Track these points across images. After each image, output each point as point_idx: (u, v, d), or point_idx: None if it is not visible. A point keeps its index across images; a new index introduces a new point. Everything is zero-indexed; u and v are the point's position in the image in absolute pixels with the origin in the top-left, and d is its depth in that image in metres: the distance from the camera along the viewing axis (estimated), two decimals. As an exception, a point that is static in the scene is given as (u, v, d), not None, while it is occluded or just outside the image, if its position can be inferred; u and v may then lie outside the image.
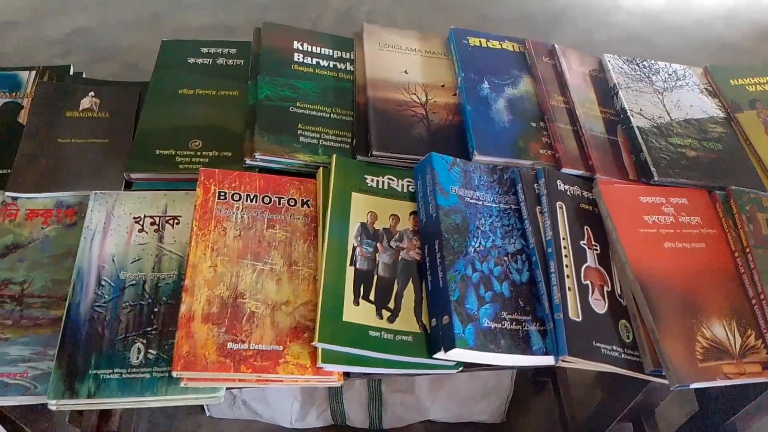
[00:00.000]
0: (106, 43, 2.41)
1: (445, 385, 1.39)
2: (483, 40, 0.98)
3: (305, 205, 0.81)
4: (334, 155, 0.82)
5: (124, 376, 0.68)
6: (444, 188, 0.77)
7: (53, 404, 0.66)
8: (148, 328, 0.71)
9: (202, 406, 1.52)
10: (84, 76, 0.97)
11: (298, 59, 0.93)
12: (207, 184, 0.79)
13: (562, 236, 0.75)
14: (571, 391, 1.40)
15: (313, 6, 2.64)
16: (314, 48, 0.96)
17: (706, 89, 0.99)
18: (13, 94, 0.93)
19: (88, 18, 2.51)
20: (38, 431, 0.90)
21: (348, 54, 0.97)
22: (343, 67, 0.95)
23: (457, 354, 0.68)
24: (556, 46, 0.98)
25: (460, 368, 0.72)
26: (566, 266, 0.73)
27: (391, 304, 0.73)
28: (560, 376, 1.43)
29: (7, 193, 0.80)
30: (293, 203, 0.81)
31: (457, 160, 0.81)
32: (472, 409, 1.42)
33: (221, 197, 0.78)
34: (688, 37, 2.52)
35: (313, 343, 0.69)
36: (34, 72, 0.96)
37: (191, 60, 0.95)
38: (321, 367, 0.69)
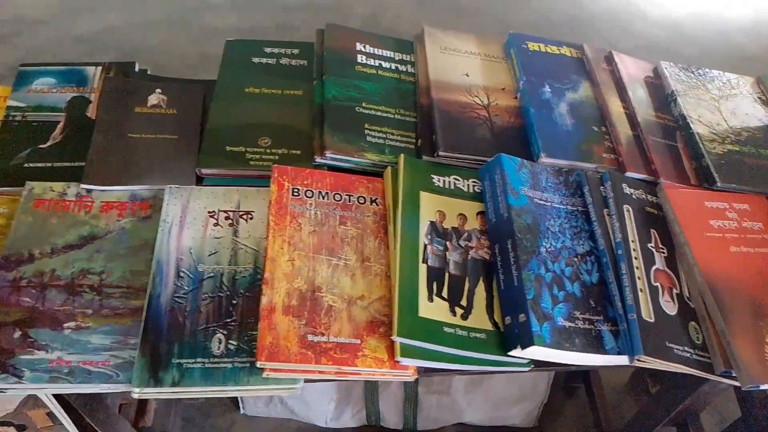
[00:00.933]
0: (134, 43, 2.43)
1: (482, 387, 1.40)
2: (541, 45, 0.99)
3: (374, 203, 0.82)
4: (402, 155, 0.83)
5: (206, 365, 0.69)
6: (514, 189, 0.78)
7: (137, 392, 0.68)
8: (228, 320, 0.72)
9: (236, 404, 1.53)
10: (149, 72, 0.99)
11: (362, 60, 0.95)
12: (281, 180, 0.80)
13: (630, 239, 0.77)
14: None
15: (338, 11, 2.67)
16: (376, 50, 0.97)
17: (759, 98, 1.00)
18: (81, 88, 0.95)
19: (116, 17, 2.53)
20: (95, 420, 0.92)
21: (408, 56, 0.99)
22: (404, 69, 0.97)
23: (534, 352, 0.69)
24: (612, 52, 0.99)
25: (531, 366, 0.73)
26: (636, 268, 0.75)
27: (464, 302, 0.74)
28: (594, 381, 1.44)
29: (83, 185, 0.82)
30: (362, 201, 0.82)
31: (525, 161, 0.82)
32: (506, 412, 1.43)
33: (295, 194, 0.80)
34: (710, 48, 2.54)
35: (392, 338, 0.70)
36: (99, 68, 0.97)
37: (256, 59, 0.97)
38: (398, 362, 0.70)
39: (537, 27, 2.55)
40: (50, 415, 0.83)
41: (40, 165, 0.85)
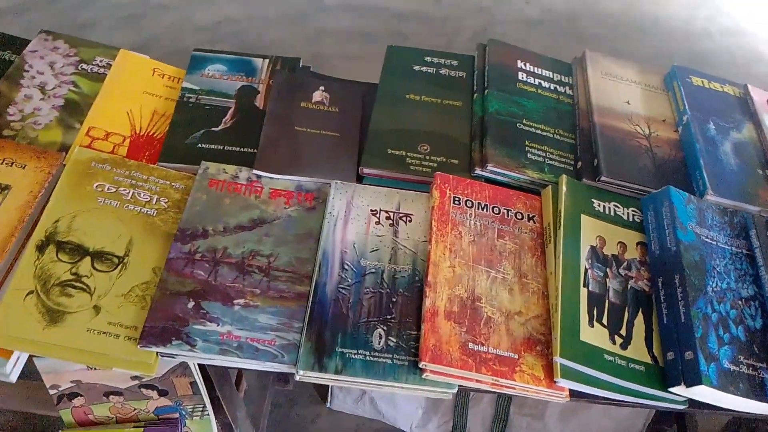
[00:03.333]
0: (252, 36, 2.52)
1: (577, 417, 1.38)
2: (705, 81, 0.97)
3: (531, 221, 0.83)
4: (564, 176, 0.83)
5: (367, 358, 0.71)
6: (683, 223, 0.77)
7: (301, 374, 0.70)
8: (388, 316, 0.74)
9: (324, 397, 1.56)
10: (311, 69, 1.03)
11: (522, 78, 0.96)
12: (443, 187, 0.82)
13: (801, 288, 0.74)
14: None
15: (450, 22, 2.69)
16: (536, 68, 0.98)
17: None
18: (249, 78, 0.99)
19: (236, 10, 2.63)
20: (223, 395, 0.96)
21: (566, 78, 0.99)
22: (562, 90, 0.97)
23: (699, 392, 0.68)
24: (779, 95, 0.97)
25: (686, 405, 0.72)
26: (807, 320, 0.72)
27: (623, 331, 0.73)
28: (689, 426, 1.39)
29: (254, 171, 0.86)
30: (520, 217, 0.83)
31: (692, 196, 0.81)
32: (598, 445, 1.40)
33: (456, 202, 0.81)
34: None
35: (554, 358, 0.70)
36: (267, 60, 1.02)
37: (416, 67, 0.99)
38: (556, 382, 0.70)
39: (648, 59, 2.50)
40: (192, 384, 0.87)
41: (212, 147, 0.90)
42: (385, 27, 2.64)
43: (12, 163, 0.80)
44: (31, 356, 0.74)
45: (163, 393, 0.88)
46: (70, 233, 0.76)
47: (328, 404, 1.56)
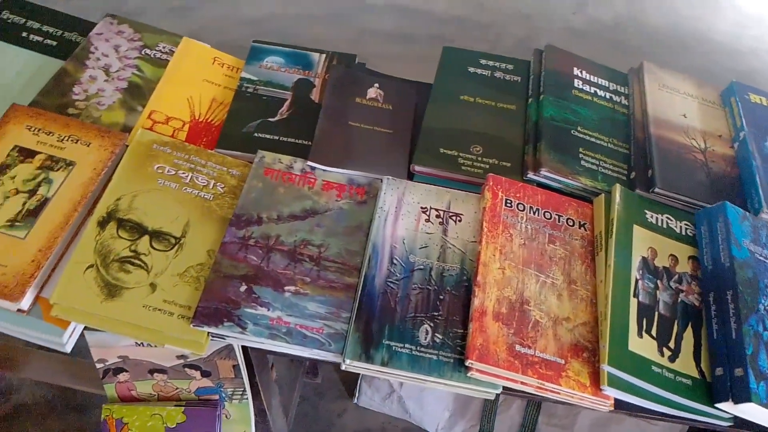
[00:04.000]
0: (295, 33, 2.54)
1: (609, 430, 1.37)
2: (764, 99, 0.96)
3: (582, 228, 0.83)
4: (617, 185, 0.83)
5: (413, 352, 0.72)
6: (737, 240, 0.77)
7: (347, 363, 0.71)
8: (435, 313, 0.75)
9: (351, 392, 1.57)
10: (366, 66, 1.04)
11: (578, 85, 0.96)
12: (495, 189, 0.83)
13: None
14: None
15: (493, 28, 2.68)
16: (592, 77, 0.98)
17: None
18: (306, 72, 1.01)
19: (281, 6, 2.66)
20: (261, 381, 0.97)
21: (622, 88, 0.99)
22: (618, 100, 0.97)
23: (747, 409, 0.67)
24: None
25: (731, 423, 0.71)
26: None
27: (672, 344, 0.73)
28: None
29: (308, 162, 0.87)
30: (571, 223, 0.83)
31: (747, 213, 0.80)
32: (626, 461, 1.39)
33: (507, 204, 0.82)
34: None
35: (601, 365, 0.70)
36: (324, 55, 1.04)
37: (471, 69, 1.00)
38: (602, 390, 0.70)
39: (698, 75, 2.47)
40: (235, 367, 0.88)
41: (267, 136, 0.91)
42: (427, 30, 2.65)
43: (77, 141, 0.82)
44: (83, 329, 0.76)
45: (206, 374, 0.90)
46: (131, 211, 0.79)
47: (355, 400, 1.57)
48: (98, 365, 0.89)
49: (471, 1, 2.78)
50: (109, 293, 0.73)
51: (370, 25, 2.62)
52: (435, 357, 0.72)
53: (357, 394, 1.55)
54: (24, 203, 0.76)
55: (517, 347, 0.71)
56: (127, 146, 0.85)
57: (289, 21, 2.60)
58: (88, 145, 0.82)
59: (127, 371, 0.90)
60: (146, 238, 0.77)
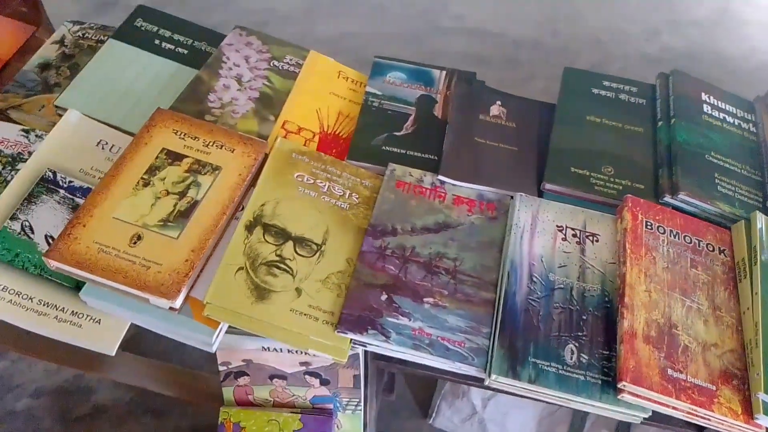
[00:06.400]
0: (369, 52, 2.58)
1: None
2: None
3: (722, 254, 0.81)
4: (757, 212, 0.82)
5: (560, 371, 0.71)
6: None
7: (492, 379, 0.71)
8: (579, 333, 0.74)
9: (425, 412, 1.56)
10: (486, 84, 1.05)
11: (707, 111, 0.95)
12: (634, 211, 0.82)
13: None
14: None
15: (566, 54, 2.67)
16: (720, 103, 0.97)
17: None
18: (428, 88, 1.02)
19: (355, 26, 2.71)
20: (375, 392, 0.97)
21: (750, 115, 0.97)
22: (746, 127, 0.95)
23: None
24: None
25: None
26: None
27: (828, 377, 0.70)
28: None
29: (439, 176, 0.88)
30: (711, 249, 0.81)
31: None
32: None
33: (648, 227, 0.81)
34: None
35: (756, 394, 0.68)
36: (444, 72, 1.05)
37: (595, 90, 1.00)
38: (756, 419, 0.68)
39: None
40: (355, 377, 0.89)
41: (395, 150, 0.93)
42: (500, 52, 2.66)
43: (222, 146, 0.85)
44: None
45: (324, 382, 0.90)
46: (275, 217, 0.80)
47: (431, 420, 1.56)
48: (221, 368, 0.90)
49: (545, 25, 2.78)
50: (259, 296, 0.74)
51: (442, 46, 2.65)
52: (582, 377, 0.71)
53: (433, 415, 1.54)
54: (175, 204, 0.78)
55: (669, 371, 0.69)
56: (266, 154, 0.87)
57: (362, 40, 2.64)
58: (233, 151, 0.84)
59: (248, 375, 0.91)
60: (290, 243, 0.79)
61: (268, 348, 0.84)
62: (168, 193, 0.79)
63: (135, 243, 0.74)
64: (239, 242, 0.77)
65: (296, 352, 0.84)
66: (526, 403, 1.42)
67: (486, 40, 2.69)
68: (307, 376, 0.90)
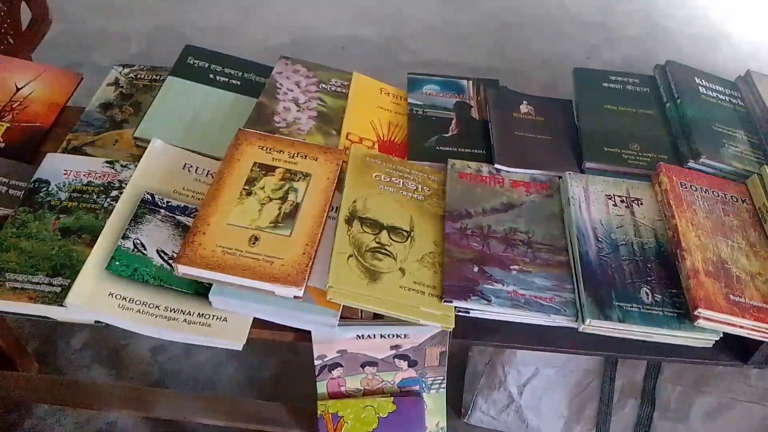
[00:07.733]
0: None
1: (723, 417, 1.45)
2: None
3: (744, 203, 0.96)
4: (765, 166, 0.97)
5: (642, 310, 0.83)
6: None
7: (586, 324, 0.82)
8: (648, 278, 0.86)
9: (458, 411, 1.62)
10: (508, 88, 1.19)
11: (703, 91, 1.12)
12: (669, 174, 0.96)
13: None
14: None
15: (520, 76, 2.89)
16: (710, 84, 1.14)
17: None
18: (460, 95, 1.15)
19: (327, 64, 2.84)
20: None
21: (735, 92, 1.15)
22: (735, 102, 1.13)
23: None
24: None
25: None
26: None
27: None
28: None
29: (496, 165, 1.00)
30: (735, 200, 0.96)
31: None
32: (744, 447, 1.46)
33: (683, 186, 0.95)
34: None
35: (802, 306, 0.82)
36: (471, 81, 1.18)
37: (605, 84, 1.15)
38: (804, 327, 0.81)
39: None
40: (441, 354, 0.97)
41: (447, 149, 1.04)
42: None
43: (306, 156, 0.94)
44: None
45: (412, 364, 0.98)
46: (367, 211, 0.90)
47: (465, 419, 1.62)
48: (317, 362, 0.97)
49: (496, 53, 3.01)
50: (371, 277, 0.83)
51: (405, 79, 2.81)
52: (660, 312, 0.83)
53: (468, 412, 1.61)
54: (280, 208, 0.86)
55: (731, 296, 0.82)
56: (344, 161, 0.96)
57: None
58: (316, 160, 0.93)
59: (341, 366, 0.98)
60: (385, 232, 0.88)
61: (362, 336, 0.92)
62: (270, 199, 0.87)
63: (254, 243, 0.82)
64: (343, 234, 0.86)
65: (388, 336, 0.92)
66: (559, 383, 1.52)
67: (444, 70, 2.87)
68: (396, 360, 0.98)
